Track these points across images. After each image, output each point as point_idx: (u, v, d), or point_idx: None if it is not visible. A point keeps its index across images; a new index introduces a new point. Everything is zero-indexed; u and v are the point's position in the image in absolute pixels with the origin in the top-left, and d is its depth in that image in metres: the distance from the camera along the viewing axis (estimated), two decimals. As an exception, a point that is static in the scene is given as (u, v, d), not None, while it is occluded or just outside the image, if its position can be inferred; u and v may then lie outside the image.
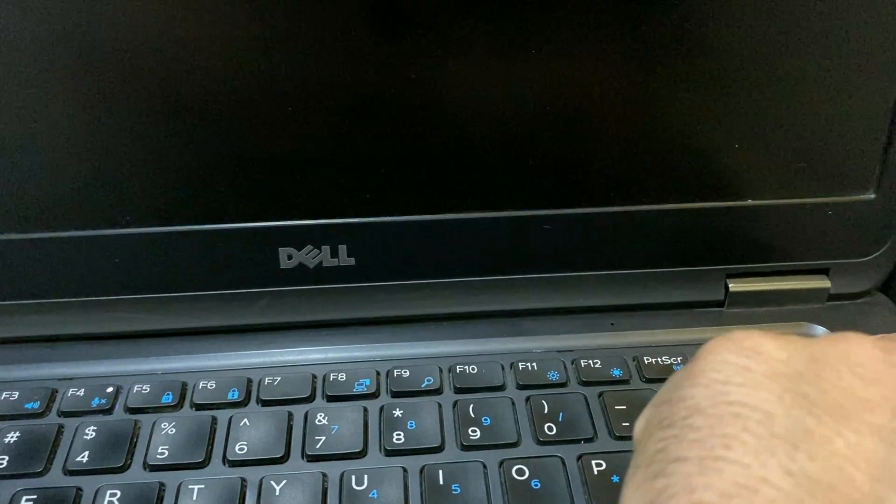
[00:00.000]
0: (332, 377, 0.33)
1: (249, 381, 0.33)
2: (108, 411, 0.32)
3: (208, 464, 0.30)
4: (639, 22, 0.31)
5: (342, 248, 0.34)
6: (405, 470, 0.30)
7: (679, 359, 0.34)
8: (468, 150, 0.33)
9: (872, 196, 0.35)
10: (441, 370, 0.34)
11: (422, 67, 0.31)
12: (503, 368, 0.34)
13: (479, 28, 0.31)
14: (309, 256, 0.34)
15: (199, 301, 0.35)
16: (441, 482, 0.29)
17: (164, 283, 0.34)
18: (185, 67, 0.31)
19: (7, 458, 0.30)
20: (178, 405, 0.32)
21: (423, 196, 0.34)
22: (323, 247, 0.34)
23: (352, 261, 0.35)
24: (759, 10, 0.31)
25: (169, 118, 0.32)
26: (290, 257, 0.34)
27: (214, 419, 0.32)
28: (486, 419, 0.32)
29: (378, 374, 0.33)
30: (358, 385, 0.33)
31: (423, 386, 0.33)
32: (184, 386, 0.33)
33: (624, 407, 0.32)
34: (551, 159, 0.33)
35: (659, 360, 0.34)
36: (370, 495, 0.29)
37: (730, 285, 0.37)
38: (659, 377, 0.33)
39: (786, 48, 0.32)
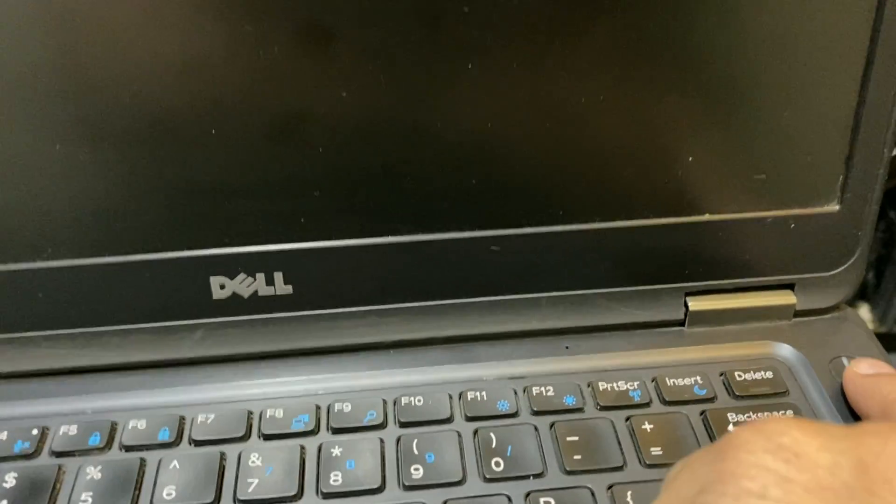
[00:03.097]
0: (268, 413, 0.31)
1: (182, 419, 0.31)
2: (32, 455, 0.30)
3: (135, 512, 0.29)
4: (587, 34, 0.29)
5: (278, 276, 0.33)
6: None
7: (635, 384, 0.32)
8: (409, 170, 0.31)
9: (836, 208, 0.33)
10: (385, 402, 0.32)
11: (352, 85, 0.29)
12: (451, 399, 0.32)
13: (412, 45, 0.29)
14: (243, 285, 0.33)
15: (128, 335, 0.33)
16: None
17: (91, 317, 0.32)
18: (108, 92, 0.29)
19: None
20: (105, 447, 0.30)
21: (362, 219, 0.32)
22: (257, 275, 0.32)
23: (289, 288, 0.33)
24: (714, 20, 0.29)
25: (91, 144, 0.30)
26: (222, 286, 0.33)
27: (143, 461, 0.30)
28: (430, 455, 0.30)
29: (318, 408, 0.32)
30: (296, 422, 0.31)
31: (365, 421, 0.31)
32: (113, 426, 0.31)
33: (576, 438, 0.30)
34: (497, 177, 0.32)
35: (614, 385, 0.32)
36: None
37: (690, 304, 0.35)
38: (614, 405, 0.32)
39: (742, 55, 0.31)
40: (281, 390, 0.32)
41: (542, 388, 0.32)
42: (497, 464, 0.29)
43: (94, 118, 0.29)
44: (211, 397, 0.32)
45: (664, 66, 0.30)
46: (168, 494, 0.29)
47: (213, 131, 0.30)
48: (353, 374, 0.33)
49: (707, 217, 0.33)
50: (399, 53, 0.29)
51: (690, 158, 0.32)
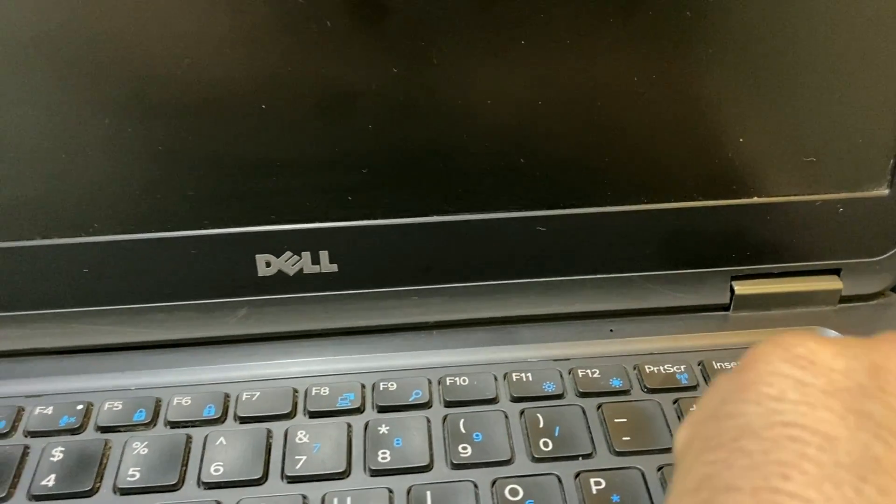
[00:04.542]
0: (314, 391, 0.31)
1: (227, 396, 0.31)
2: (78, 430, 0.30)
3: (182, 486, 0.28)
4: (639, 14, 0.29)
5: (323, 254, 0.32)
6: (391, 491, 0.28)
7: (682, 367, 0.32)
8: (456, 149, 0.31)
9: (886, 192, 0.33)
10: (430, 382, 0.32)
11: (404, 65, 0.29)
12: (496, 380, 0.32)
13: (464, 23, 0.29)
14: (288, 263, 0.33)
15: (173, 312, 0.33)
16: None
17: (137, 294, 0.32)
18: (158, 69, 0.29)
19: (-31, 481, 0.28)
20: (151, 423, 0.30)
21: (410, 198, 0.32)
22: (303, 253, 0.32)
23: (334, 267, 0.33)
24: (768, 1, 0.29)
25: (140, 121, 0.30)
26: (268, 264, 0.32)
27: (189, 438, 0.30)
28: (477, 435, 0.30)
29: (363, 387, 0.32)
30: (342, 400, 0.31)
31: (410, 400, 0.31)
32: (157, 402, 0.31)
33: (624, 420, 0.30)
34: (544, 157, 0.31)
35: (661, 368, 0.32)
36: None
37: (735, 288, 0.35)
38: (661, 387, 0.31)
39: (794, 37, 0.30)
40: (325, 368, 0.32)
41: (588, 371, 0.32)
42: (545, 444, 0.29)
43: (144, 93, 0.29)
44: (255, 374, 0.32)
45: (715, 46, 0.30)
46: (216, 470, 0.29)
47: (264, 107, 0.30)
48: (397, 354, 0.33)
49: (755, 200, 0.33)
50: (450, 31, 0.29)
51: (740, 140, 0.31)
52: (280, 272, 0.33)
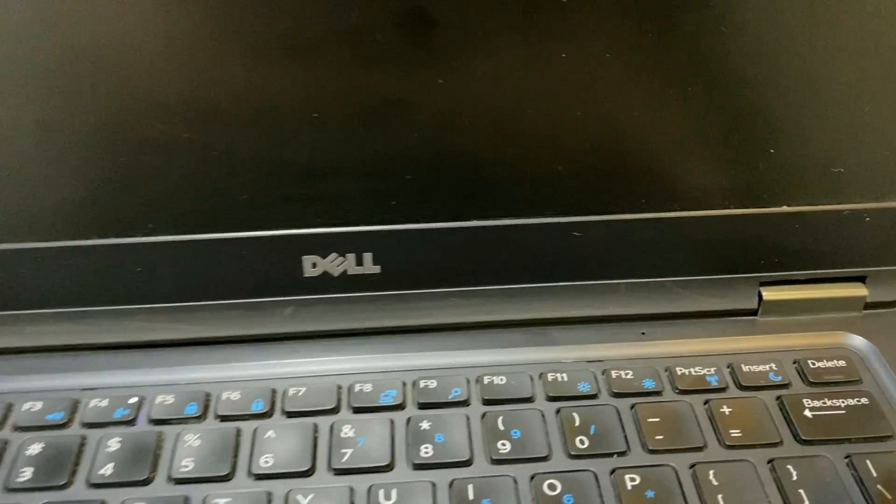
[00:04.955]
0: (357, 388, 0.33)
1: (274, 391, 0.32)
2: (132, 422, 0.32)
3: (233, 477, 0.30)
4: (675, 27, 0.30)
5: (368, 256, 0.34)
6: (434, 484, 0.29)
7: (712, 369, 0.33)
8: (497, 157, 0.32)
9: (912, 202, 0.34)
10: (469, 381, 0.33)
11: (448, 72, 0.31)
12: (532, 379, 0.33)
13: (505, 32, 0.30)
14: (334, 264, 0.34)
15: (222, 310, 0.34)
16: (471, 497, 0.29)
17: (188, 292, 0.34)
18: (217, 77, 0.30)
19: (30, 470, 0.30)
20: (202, 416, 0.32)
21: (451, 203, 0.33)
22: (348, 255, 0.34)
23: (377, 269, 0.34)
24: (799, 13, 0.30)
25: (193, 125, 0.31)
26: (314, 265, 0.34)
27: (239, 431, 0.31)
28: (515, 432, 0.31)
29: (405, 384, 0.33)
30: (384, 396, 0.32)
31: (450, 397, 0.32)
32: (208, 397, 0.32)
33: (657, 419, 0.31)
34: (581, 165, 0.33)
35: (692, 370, 0.33)
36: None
37: (763, 293, 0.36)
38: (692, 389, 0.33)
39: (823, 49, 0.31)
40: (368, 366, 0.34)
41: (622, 372, 0.33)
42: (581, 441, 0.30)
43: (202, 100, 0.31)
44: (301, 371, 0.33)
45: (748, 60, 0.31)
46: (266, 462, 0.30)
47: (315, 115, 0.31)
48: (437, 353, 0.34)
49: (785, 209, 0.34)
50: (492, 43, 0.30)
51: (771, 151, 0.33)
52: (325, 273, 0.34)
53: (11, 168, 0.31)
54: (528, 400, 0.32)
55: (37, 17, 0.29)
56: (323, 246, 0.33)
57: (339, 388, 0.33)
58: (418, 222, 0.33)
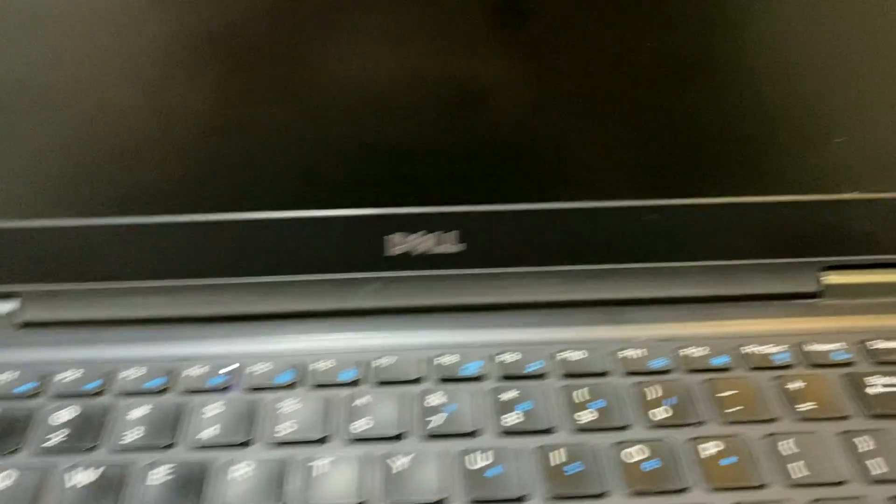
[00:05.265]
0: (443, 360, 0.34)
1: (364, 362, 0.34)
2: (229, 389, 0.33)
3: (330, 440, 0.31)
4: (755, 13, 0.32)
5: (453, 235, 0.35)
6: (522, 451, 0.30)
7: (780, 348, 0.35)
8: (581, 140, 0.34)
9: (976, 189, 0.36)
10: (550, 356, 0.34)
11: (537, 56, 0.32)
12: (609, 355, 0.35)
13: (594, 16, 0.32)
14: (420, 242, 0.35)
15: (312, 285, 0.36)
16: (562, 460, 0.30)
17: (279, 267, 0.35)
18: (303, 55, 0.32)
19: (141, 429, 0.31)
20: (296, 384, 0.33)
21: (535, 184, 0.35)
22: (434, 233, 0.35)
23: (462, 247, 0.36)
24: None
25: (286, 105, 0.33)
26: (399, 243, 0.35)
27: (334, 398, 0.33)
28: (598, 402, 0.32)
29: (491, 357, 0.34)
30: (469, 367, 0.34)
31: (532, 370, 0.34)
32: (301, 366, 0.34)
33: (732, 393, 0.33)
34: (660, 150, 0.34)
35: (761, 349, 0.35)
36: (491, 472, 0.30)
37: (826, 277, 0.37)
38: (761, 366, 0.34)
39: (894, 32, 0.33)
40: (452, 340, 0.35)
41: (694, 349, 0.35)
42: (661, 413, 0.32)
43: (294, 79, 0.32)
44: (387, 344, 0.35)
45: (825, 46, 0.33)
46: (362, 426, 0.31)
47: (408, 96, 0.33)
48: (518, 330, 0.36)
49: (855, 195, 0.35)
50: (583, 26, 0.32)
51: (841, 138, 0.34)
52: (411, 250, 0.36)
53: (119, 145, 0.33)
54: (607, 374, 0.34)
55: None
56: (410, 224, 0.35)
57: (426, 360, 0.34)
58: (503, 203, 0.35)
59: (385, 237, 0.35)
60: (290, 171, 0.34)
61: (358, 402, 0.32)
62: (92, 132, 0.33)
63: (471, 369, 0.34)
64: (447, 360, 0.34)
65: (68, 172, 0.34)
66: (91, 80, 0.32)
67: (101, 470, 0.30)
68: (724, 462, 0.30)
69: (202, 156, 0.33)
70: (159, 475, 0.30)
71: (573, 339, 0.35)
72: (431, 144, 0.34)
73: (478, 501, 0.29)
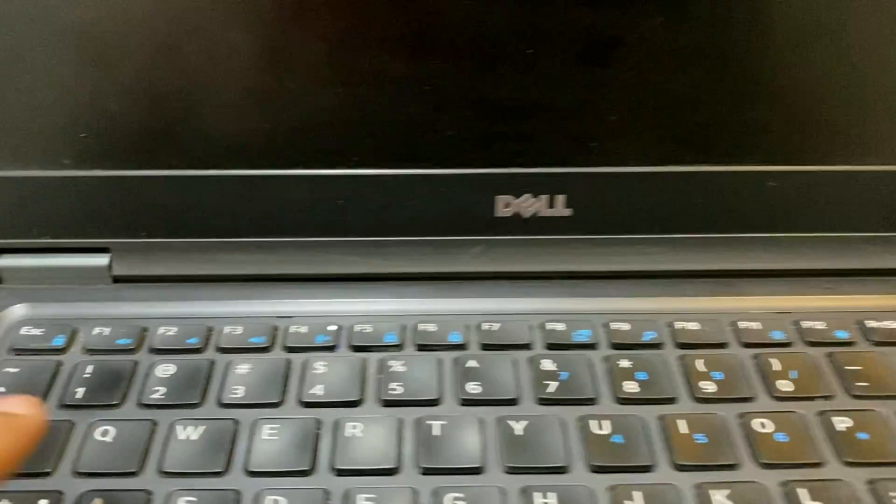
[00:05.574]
0: (550, 326, 0.33)
1: (474, 326, 0.33)
2: (333, 348, 0.32)
3: (443, 402, 0.30)
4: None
5: (561, 199, 0.34)
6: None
7: (904, 324, 0.33)
8: (701, 102, 0.33)
9: None
10: (663, 326, 0.33)
11: (664, 14, 0.31)
12: (726, 326, 0.33)
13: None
14: (526, 205, 0.34)
15: (413, 246, 0.35)
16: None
17: (382, 227, 0.34)
18: (420, 11, 0.31)
19: (242, 389, 0.30)
20: (402, 345, 0.32)
21: (649, 147, 0.33)
22: (542, 196, 0.34)
23: (569, 211, 0.34)
24: None
25: (400, 63, 0.32)
26: (507, 205, 0.34)
27: (442, 360, 0.31)
28: (717, 374, 0.31)
29: (603, 326, 0.33)
30: (579, 334, 0.33)
31: (645, 339, 0.32)
32: (404, 327, 0.33)
33: (858, 368, 0.31)
34: (783, 115, 0.33)
35: (882, 323, 0.33)
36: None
37: (948, 254, 0.36)
38: (886, 341, 0.33)
39: None
40: (557, 307, 0.34)
41: (812, 323, 0.33)
42: (785, 385, 0.30)
43: (415, 36, 0.31)
44: (492, 308, 0.34)
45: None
46: (475, 388, 0.30)
47: (527, 52, 0.31)
48: (626, 298, 0.34)
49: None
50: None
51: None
52: (517, 213, 0.34)
53: (222, 95, 0.32)
54: (723, 346, 0.32)
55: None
56: (517, 186, 0.34)
57: (535, 327, 0.33)
58: (615, 165, 0.33)
59: (491, 199, 0.34)
60: (401, 128, 0.33)
61: (469, 363, 0.31)
62: (197, 81, 0.32)
63: (583, 336, 0.33)
64: (554, 326, 0.33)
65: (176, 123, 0.33)
66: (199, 25, 0.31)
67: (205, 425, 0.29)
68: (859, 436, 0.29)
69: (312, 109, 0.32)
70: (268, 432, 0.29)
71: (685, 310, 0.34)
72: (548, 102, 0.32)
73: (600, 467, 0.28)
